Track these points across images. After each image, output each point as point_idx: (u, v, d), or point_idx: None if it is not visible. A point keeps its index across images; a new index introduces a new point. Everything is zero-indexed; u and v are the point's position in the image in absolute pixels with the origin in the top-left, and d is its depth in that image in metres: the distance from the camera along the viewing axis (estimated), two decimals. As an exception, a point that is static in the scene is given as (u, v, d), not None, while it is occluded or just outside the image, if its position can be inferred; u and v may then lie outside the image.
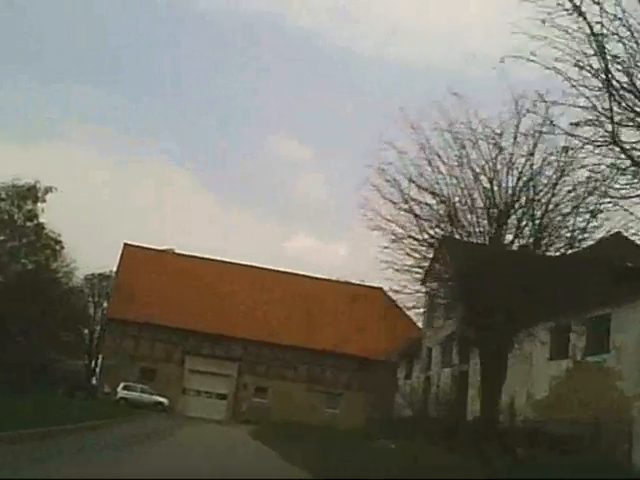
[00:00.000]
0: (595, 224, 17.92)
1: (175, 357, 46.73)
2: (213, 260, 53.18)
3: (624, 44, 11.61)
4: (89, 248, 74.44)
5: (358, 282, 56.63)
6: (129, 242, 51.53)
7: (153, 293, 48.34)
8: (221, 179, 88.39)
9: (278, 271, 54.62)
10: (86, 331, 61.79)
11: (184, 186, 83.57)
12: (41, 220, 51.00)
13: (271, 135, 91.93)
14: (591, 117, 12.21)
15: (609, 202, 14.32)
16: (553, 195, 18.60)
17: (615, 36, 11.62)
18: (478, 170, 19.07)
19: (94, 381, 47.91)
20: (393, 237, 20.17)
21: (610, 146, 12.33)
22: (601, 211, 16.85)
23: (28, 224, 51.80)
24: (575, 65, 11.97)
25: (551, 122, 14.31)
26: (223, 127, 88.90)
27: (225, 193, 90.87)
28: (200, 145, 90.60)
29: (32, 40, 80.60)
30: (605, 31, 11.56)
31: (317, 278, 55.21)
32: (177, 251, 52.79)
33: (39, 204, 50.95)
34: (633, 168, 12.32)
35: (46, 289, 52.54)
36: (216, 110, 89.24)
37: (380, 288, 57.17)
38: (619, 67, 11.76)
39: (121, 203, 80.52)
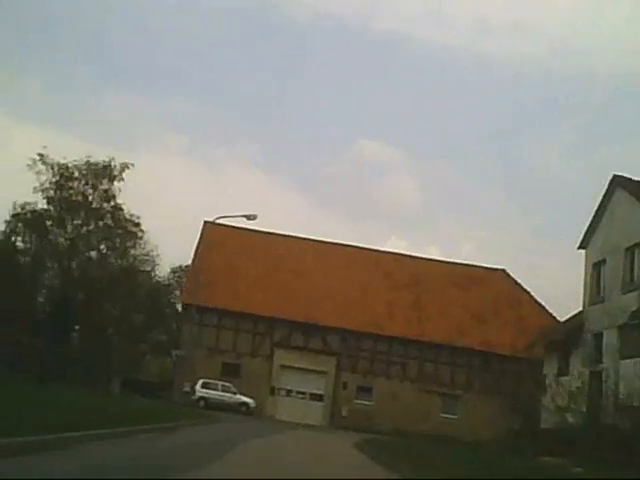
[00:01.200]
0: None
1: (262, 350, 40.77)
2: (303, 238, 47.07)
3: None
4: (173, 246, 71.52)
5: (475, 263, 49.42)
6: (209, 219, 46.03)
7: (235, 276, 42.70)
8: (311, 181, 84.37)
9: (379, 251, 47.90)
10: (175, 326, 57.15)
11: (274, 188, 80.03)
12: (118, 201, 47.16)
13: (362, 139, 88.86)
14: None
15: None
16: None
17: None
18: None
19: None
20: None
21: None
22: None
23: (105, 205, 47.94)
24: None
25: None
26: (313, 131, 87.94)
27: (314, 195, 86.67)
28: (290, 149, 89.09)
29: (119, 57, 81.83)
30: None
31: (426, 259, 48.06)
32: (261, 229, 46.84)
33: (115, 183, 47.09)
34: None
35: (130, 284, 48.40)
36: (305, 114, 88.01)
37: (502, 270, 49.52)
38: None
39: (206, 203, 77.31)
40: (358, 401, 40.97)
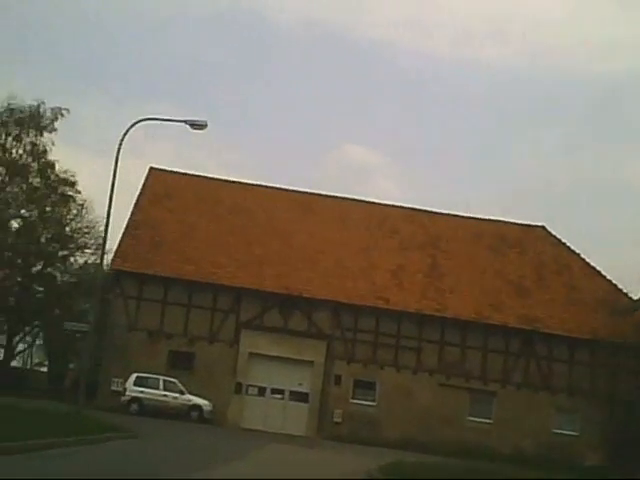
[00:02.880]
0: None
1: (224, 334, 31.10)
2: (279, 189, 37.43)
3: None
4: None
5: (507, 219, 39.89)
6: (156, 166, 36.52)
7: (189, 236, 33.18)
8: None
9: (382, 204, 38.27)
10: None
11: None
12: (50, 158, 38.84)
13: (347, 144, 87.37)
14: None
15: None
16: None
17: None
18: None
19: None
20: None
21: None
22: None
23: (31, 162, 39.43)
24: None
25: None
26: (297, 135, 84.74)
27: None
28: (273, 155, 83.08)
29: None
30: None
31: (445, 214, 38.49)
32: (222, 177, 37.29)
33: (45, 134, 38.78)
34: None
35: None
36: (290, 119, 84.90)
37: (542, 227, 39.94)
38: None
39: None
40: (356, 401, 31.31)
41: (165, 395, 27.77)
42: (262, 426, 29.33)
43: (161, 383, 27.94)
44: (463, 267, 35.09)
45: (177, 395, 27.89)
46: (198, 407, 27.92)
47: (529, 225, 39.12)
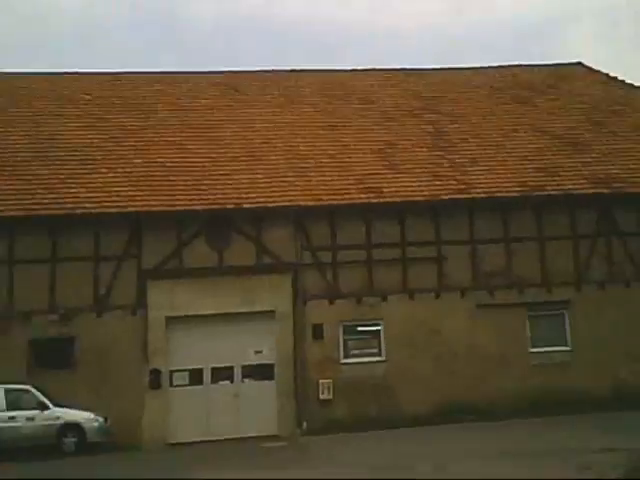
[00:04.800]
0: None
1: (120, 293, 18.41)
2: (183, 73, 25.16)
3: None
4: None
5: (531, 63, 26.95)
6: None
7: (45, 154, 20.40)
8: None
9: (342, 71, 26.20)
10: None
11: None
12: None
13: None
14: None
15: None
16: None
17: None
18: None
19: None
20: None
21: None
22: None
23: None
24: None
25: None
26: None
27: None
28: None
29: None
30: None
31: (439, 69, 26.38)
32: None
33: None
34: None
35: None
36: None
37: (579, 63, 27.32)
38: None
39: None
40: (352, 360, 18.83)
41: (12, 417, 15.34)
42: (203, 434, 17.10)
43: (1, 396, 15.48)
44: (483, 128, 22.71)
45: (34, 413, 15.48)
46: (75, 426, 15.49)
47: (561, 64, 26.82)
